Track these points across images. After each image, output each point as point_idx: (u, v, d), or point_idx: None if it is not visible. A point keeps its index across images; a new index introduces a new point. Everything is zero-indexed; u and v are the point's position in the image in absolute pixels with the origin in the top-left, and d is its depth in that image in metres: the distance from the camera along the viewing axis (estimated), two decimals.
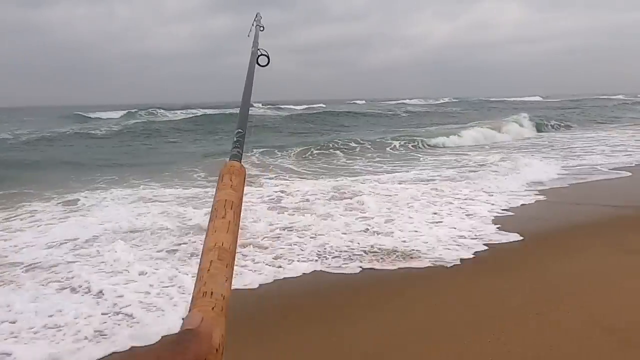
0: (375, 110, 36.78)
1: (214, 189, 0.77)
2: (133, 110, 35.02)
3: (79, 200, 7.23)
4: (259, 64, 1.31)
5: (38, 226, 5.83)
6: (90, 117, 32.37)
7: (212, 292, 0.60)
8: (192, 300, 0.60)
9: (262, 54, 1.31)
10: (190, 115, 28.75)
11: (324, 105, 45.58)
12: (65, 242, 5.03)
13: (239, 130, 0.89)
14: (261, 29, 1.57)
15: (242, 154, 0.84)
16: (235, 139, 0.87)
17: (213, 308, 0.58)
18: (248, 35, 1.50)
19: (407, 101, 59.87)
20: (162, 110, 35.19)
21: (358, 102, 60.80)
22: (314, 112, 32.55)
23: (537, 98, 66.08)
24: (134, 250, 4.72)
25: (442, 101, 55.24)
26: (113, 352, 2.69)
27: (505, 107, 39.29)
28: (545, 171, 8.61)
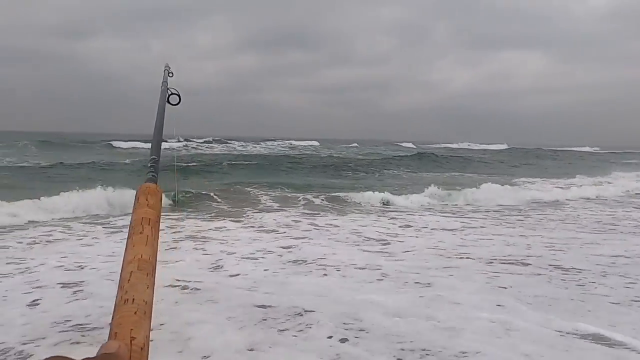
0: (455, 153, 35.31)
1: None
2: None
3: None
4: (170, 103, 1.49)
5: None
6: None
7: (133, 299, 0.65)
8: (114, 308, 0.63)
9: (173, 93, 1.51)
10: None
11: (360, 145, 45.30)
12: None
13: (153, 156, 1.08)
14: (170, 74, 1.78)
15: (157, 177, 0.97)
16: (149, 164, 1.02)
17: (136, 312, 0.62)
18: (161, 87, 1.63)
19: (462, 145, 58.80)
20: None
21: (404, 144, 59.99)
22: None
23: (587, 148, 62.57)
24: None
25: (496, 147, 53.46)
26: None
27: (603, 160, 35.24)
28: None
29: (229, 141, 42.50)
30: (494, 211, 10.40)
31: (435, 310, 3.91)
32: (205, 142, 40.16)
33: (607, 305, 4.17)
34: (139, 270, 0.70)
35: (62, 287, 4.44)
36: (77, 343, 3.26)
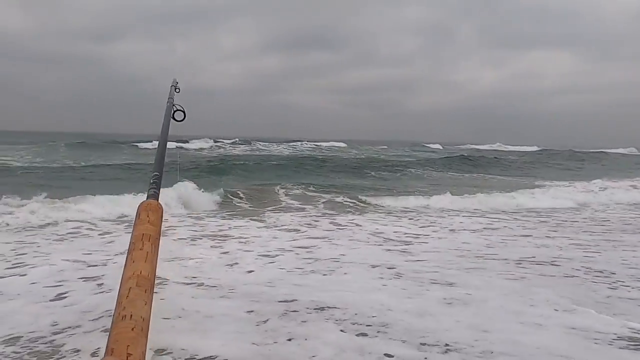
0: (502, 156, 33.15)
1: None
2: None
3: None
4: (174, 119, 1.51)
5: None
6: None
7: (131, 315, 0.64)
8: (112, 324, 0.65)
9: (178, 109, 1.55)
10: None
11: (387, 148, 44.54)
12: None
13: (156, 173, 1.07)
14: (177, 90, 1.85)
15: (159, 194, 0.98)
16: (152, 181, 1.02)
17: (133, 329, 0.62)
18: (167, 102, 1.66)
19: (494, 146, 57.09)
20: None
21: (432, 145, 57.37)
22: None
23: (621, 150, 56.64)
24: None
25: (527, 149, 51.51)
26: None
27: (636, 162, 32.10)
28: None
29: (256, 142, 42.84)
30: (512, 212, 10.17)
31: (460, 309, 3.83)
32: (232, 143, 40.72)
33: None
34: (137, 287, 0.69)
35: (84, 281, 4.53)
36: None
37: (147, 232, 0.82)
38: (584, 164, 30.82)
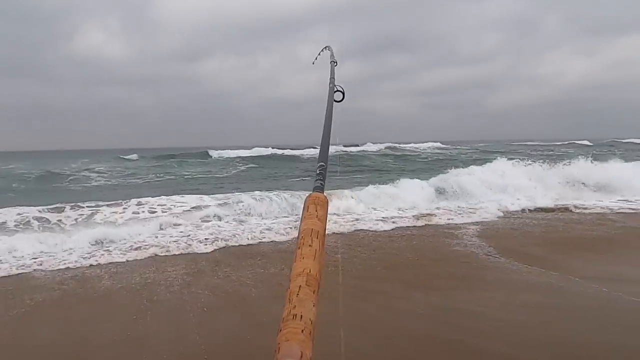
0: None
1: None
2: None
3: None
4: (334, 100, 1.33)
5: None
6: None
7: (301, 316, 0.64)
8: (282, 321, 0.63)
9: (337, 90, 1.37)
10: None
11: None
12: None
13: (321, 163, 0.95)
14: (335, 64, 1.68)
15: (324, 186, 0.89)
16: (317, 172, 0.93)
17: (302, 331, 0.62)
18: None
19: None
20: None
21: (578, 142, 52.48)
22: None
23: None
24: None
25: None
26: None
27: None
28: None
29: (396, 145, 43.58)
30: None
31: None
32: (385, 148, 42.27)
33: None
34: (307, 286, 0.69)
35: None
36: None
37: (315, 228, 0.80)
38: None
